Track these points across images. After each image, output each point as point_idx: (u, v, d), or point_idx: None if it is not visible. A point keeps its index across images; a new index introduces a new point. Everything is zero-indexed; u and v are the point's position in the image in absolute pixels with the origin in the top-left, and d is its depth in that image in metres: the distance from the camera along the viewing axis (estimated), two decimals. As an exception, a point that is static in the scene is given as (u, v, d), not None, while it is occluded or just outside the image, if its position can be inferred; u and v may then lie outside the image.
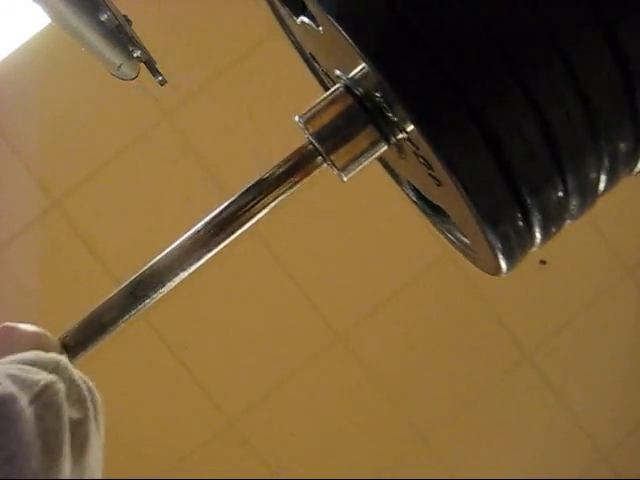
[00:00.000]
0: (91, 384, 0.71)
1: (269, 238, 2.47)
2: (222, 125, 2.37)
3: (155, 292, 0.80)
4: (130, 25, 1.24)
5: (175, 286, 0.76)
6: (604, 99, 0.57)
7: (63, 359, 0.69)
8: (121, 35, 1.20)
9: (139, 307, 0.81)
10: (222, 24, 2.31)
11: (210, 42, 2.38)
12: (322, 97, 0.72)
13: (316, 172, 0.75)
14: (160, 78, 1.29)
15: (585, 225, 2.58)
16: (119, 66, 1.28)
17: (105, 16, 1.16)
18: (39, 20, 2.18)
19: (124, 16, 1.22)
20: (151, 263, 0.80)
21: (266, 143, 2.55)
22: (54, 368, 0.66)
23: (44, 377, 0.62)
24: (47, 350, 0.74)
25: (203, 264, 0.78)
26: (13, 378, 0.60)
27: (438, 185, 0.66)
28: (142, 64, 1.30)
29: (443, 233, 0.85)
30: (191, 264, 0.80)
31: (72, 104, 2.38)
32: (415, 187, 0.86)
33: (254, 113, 2.35)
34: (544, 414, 2.63)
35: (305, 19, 0.72)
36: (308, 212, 2.49)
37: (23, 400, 0.57)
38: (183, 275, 0.80)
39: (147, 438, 2.47)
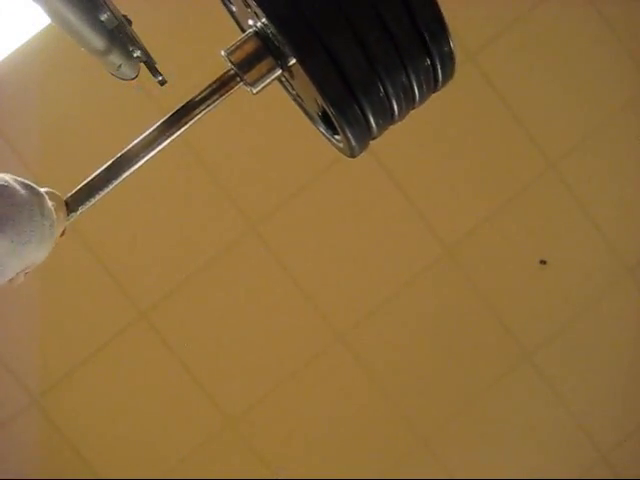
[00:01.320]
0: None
1: (269, 238, 2.47)
2: (222, 124, 2.37)
3: (126, 171, 1.13)
4: (130, 25, 1.24)
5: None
6: (401, 32, 0.94)
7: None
8: (121, 35, 1.20)
9: (116, 181, 1.13)
10: (222, 24, 2.31)
11: (210, 42, 2.38)
12: (239, 38, 1.08)
13: (235, 88, 1.10)
14: (160, 78, 1.29)
15: (585, 225, 2.59)
16: (119, 66, 1.27)
17: (105, 16, 1.16)
18: (39, 20, 2.18)
19: (124, 16, 1.22)
20: (121, 152, 1.14)
21: (265, 139, 2.55)
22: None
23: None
24: (56, 203, 1.05)
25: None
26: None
27: (314, 93, 0.98)
28: (142, 64, 1.29)
29: (327, 138, 1.19)
30: (150, 152, 1.13)
31: (72, 104, 2.38)
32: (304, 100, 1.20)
33: (254, 112, 2.35)
34: (544, 414, 2.63)
35: None
36: (308, 212, 2.49)
37: None
38: (145, 159, 1.13)
39: (147, 438, 2.47)
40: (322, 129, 1.18)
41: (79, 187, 1.12)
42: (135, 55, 1.24)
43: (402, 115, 1.04)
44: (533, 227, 2.60)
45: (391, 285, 2.54)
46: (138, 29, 1.26)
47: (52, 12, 1.16)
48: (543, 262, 2.57)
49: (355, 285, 2.52)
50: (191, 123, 1.12)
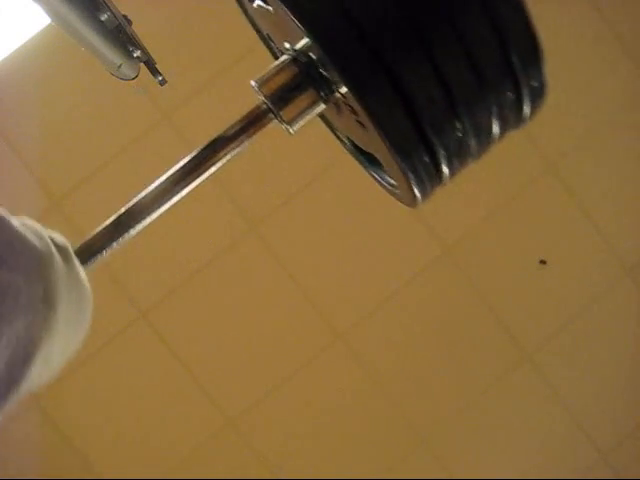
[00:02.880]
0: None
1: (269, 238, 2.47)
2: (222, 125, 2.37)
3: (133, 228, 0.96)
4: (130, 25, 1.24)
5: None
6: (487, 58, 0.75)
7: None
8: (121, 35, 1.20)
9: (121, 239, 0.96)
10: (222, 24, 2.31)
11: (210, 42, 2.38)
12: (272, 65, 0.89)
13: (268, 125, 0.92)
14: (160, 78, 1.29)
15: (585, 225, 2.58)
16: (119, 66, 1.28)
17: (105, 16, 1.16)
18: (39, 20, 2.18)
19: (124, 16, 1.22)
20: (128, 206, 0.95)
21: (265, 139, 2.55)
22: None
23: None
24: None
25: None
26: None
27: (365, 132, 0.83)
28: (142, 64, 1.29)
29: (376, 179, 1.04)
30: (164, 204, 0.95)
31: (72, 104, 2.38)
32: (353, 142, 1.05)
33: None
34: (544, 414, 2.63)
35: (259, 2, 0.89)
36: (308, 212, 2.49)
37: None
38: (158, 212, 0.95)
39: (147, 438, 2.47)
40: (372, 171, 1.01)
41: (79, 246, 0.94)
42: (135, 55, 1.25)
43: (480, 156, 0.88)
44: (533, 227, 2.60)
45: (391, 285, 2.55)
46: (138, 29, 1.26)
47: (52, 12, 1.16)
48: (543, 262, 2.57)
49: (355, 285, 2.52)
50: (213, 169, 0.95)
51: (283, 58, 0.89)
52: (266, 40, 1.06)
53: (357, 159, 1.08)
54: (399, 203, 1.08)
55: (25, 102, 2.34)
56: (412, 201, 0.90)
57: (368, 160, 1.01)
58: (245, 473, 2.50)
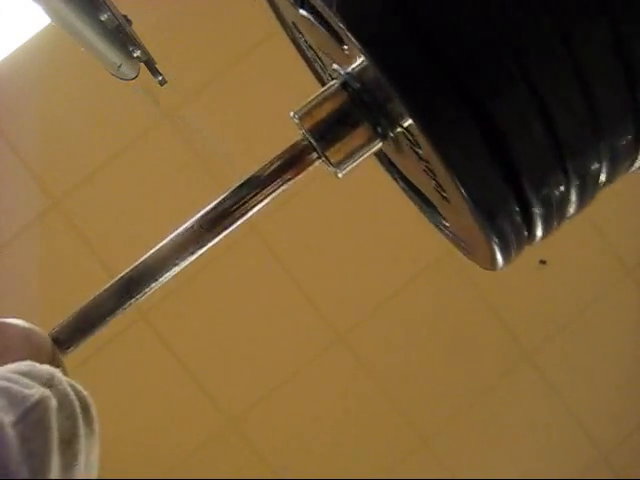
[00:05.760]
0: (86, 395, 0.70)
1: (269, 238, 2.47)
2: (222, 125, 2.37)
3: (147, 287, 0.76)
4: (130, 25, 1.24)
5: (168, 281, 0.73)
6: (607, 95, 0.57)
7: (57, 372, 0.67)
8: (121, 35, 1.20)
9: (130, 302, 0.77)
10: (222, 24, 2.31)
11: (210, 42, 2.38)
12: (318, 92, 0.71)
13: (310, 168, 0.74)
14: (160, 78, 1.29)
15: (585, 225, 2.58)
16: (119, 66, 1.28)
17: (105, 16, 1.16)
18: (39, 20, 2.18)
19: (124, 16, 1.22)
20: (143, 258, 0.78)
21: (267, 143, 2.55)
22: (48, 381, 0.63)
23: (36, 391, 0.59)
24: (39, 345, 0.76)
25: (197, 259, 0.76)
26: (3, 391, 0.57)
27: (434, 180, 0.65)
28: (142, 64, 1.30)
29: (438, 227, 0.84)
30: (183, 259, 0.79)
31: (72, 104, 2.38)
32: (410, 181, 0.85)
33: (254, 113, 2.35)
34: (544, 414, 2.63)
35: (304, 12, 0.68)
36: (308, 212, 2.49)
37: (9, 418, 0.54)
38: (175, 270, 0.78)
39: (147, 438, 2.47)
40: (433, 219, 0.82)
41: (69, 319, 0.82)
42: (135, 55, 1.25)
43: (579, 212, 0.70)
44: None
45: (391, 285, 2.54)
46: (138, 29, 1.26)
47: (52, 12, 1.16)
48: (543, 262, 2.57)
49: (355, 285, 2.52)
50: (243, 219, 0.79)
51: (331, 83, 0.70)
52: (310, 62, 0.85)
53: (414, 202, 0.88)
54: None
55: (25, 102, 2.34)
56: (491, 264, 0.70)
57: (427, 203, 0.81)
58: (246, 473, 2.50)
